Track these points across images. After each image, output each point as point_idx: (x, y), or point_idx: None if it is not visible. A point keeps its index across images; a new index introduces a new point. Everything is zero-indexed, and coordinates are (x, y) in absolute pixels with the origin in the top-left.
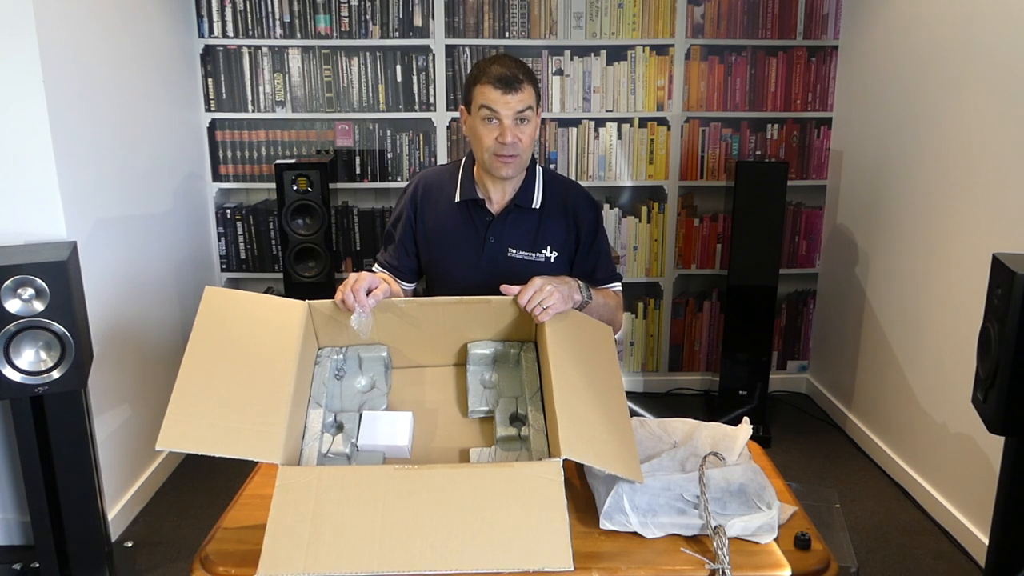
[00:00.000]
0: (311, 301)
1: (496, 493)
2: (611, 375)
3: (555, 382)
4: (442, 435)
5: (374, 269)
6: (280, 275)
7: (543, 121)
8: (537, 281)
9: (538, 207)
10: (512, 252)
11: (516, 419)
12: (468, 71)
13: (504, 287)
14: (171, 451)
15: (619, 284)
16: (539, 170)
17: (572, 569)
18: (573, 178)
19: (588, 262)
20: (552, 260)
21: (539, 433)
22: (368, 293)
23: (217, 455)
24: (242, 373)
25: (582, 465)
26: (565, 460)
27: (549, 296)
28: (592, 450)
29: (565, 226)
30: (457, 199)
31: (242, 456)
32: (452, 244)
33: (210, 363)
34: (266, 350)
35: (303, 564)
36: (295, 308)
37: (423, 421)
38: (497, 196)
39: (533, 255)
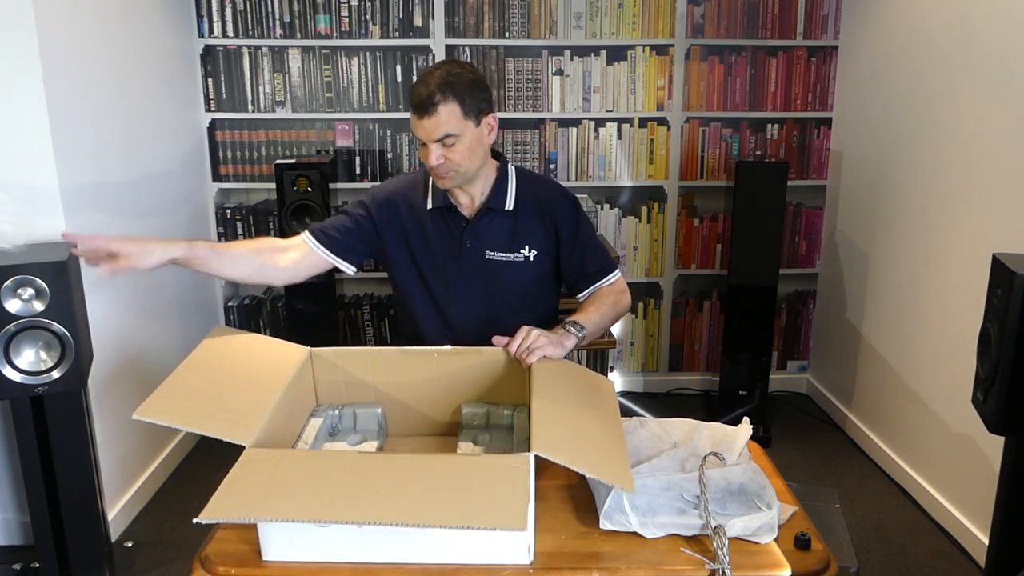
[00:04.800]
0: (313, 348)
1: (459, 472)
2: (602, 400)
3: (535, 393)
4: None
5: (304, 236)
6: None
7: (542, 121)
8: (525, 329)
9: (511, 208)
10: (490, 255)
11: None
12: None
13: (496, 338)
14: (146, 420)
15: (616, 274)
16: (511, 171)
17: (525, 528)
18: (573, 178)
19: (575, 257)
20: (532, 259)
21: None
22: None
23: (189, 430)
24: (234, 385)
25: None
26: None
27: (536, 339)
28: (568, 450)
29: (543, 226)
30: (430, 206)
31: (213, 434)
32: (431, 251)
33: (206, 370)
34: (262, 371)
35: (246, 511)
36: (296, 351)
37: None
38: (466, 201)
39: (511, 256)
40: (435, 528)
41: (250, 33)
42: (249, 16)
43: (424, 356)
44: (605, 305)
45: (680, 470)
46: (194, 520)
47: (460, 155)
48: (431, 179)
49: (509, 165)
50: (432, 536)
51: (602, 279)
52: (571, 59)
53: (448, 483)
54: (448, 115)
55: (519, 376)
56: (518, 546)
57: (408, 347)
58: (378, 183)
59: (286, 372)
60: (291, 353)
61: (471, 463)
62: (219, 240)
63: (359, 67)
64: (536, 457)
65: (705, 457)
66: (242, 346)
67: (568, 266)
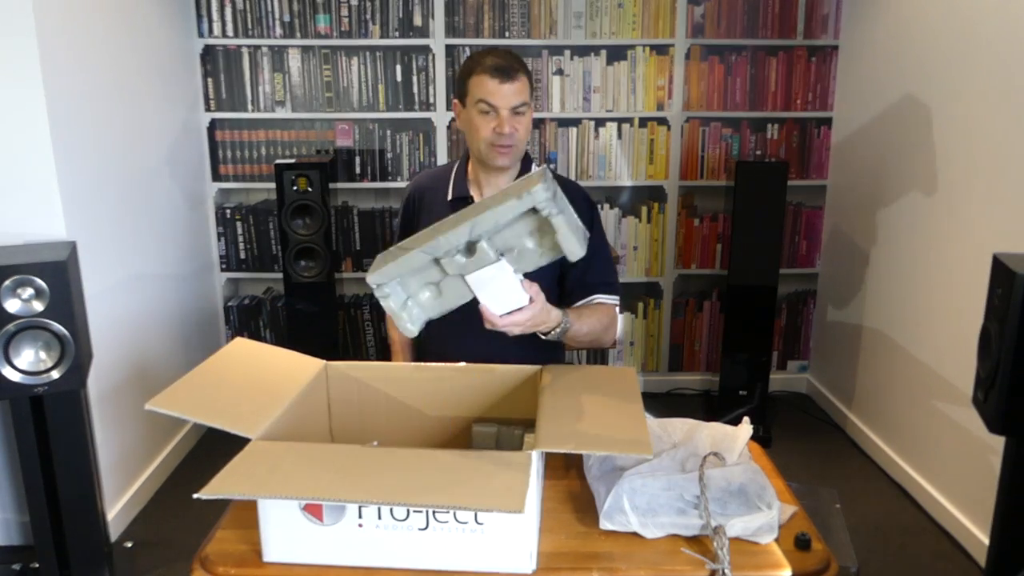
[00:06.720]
0: (329, 362)
1: (461, 464)
2: (619, 384)
3: (543, 395)
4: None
5: None
6: (280, 275)
7: (542, 121)
8: (530, 309)
9: None
10: None
11: None
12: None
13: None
14: (158, 411)
15: (616, 298)
16: (535, 169)
17: (522, 511)
18: (573, 178)
19: (579, 263)
20: None
21: None
22: None
23: (198, 421)
24: (247, 388)
25: (582, 465)
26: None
27: (529, 321)
28: (573, 438)
29: None
30: (450, 197)
31: (220, 426)
32: None
33: (221, 374)
34: (276, 378)
35: (248, 488)
36: (311, 363)
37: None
38: (489, 193)
39: None
40: (433, 508)
41: (250, 33)
42: (249, 16)
43: (437, 372)
44: (594, 319)
45: (680, 470)
46: (194, 495)
47: (525, 129)
48: (455, 168)
49: (534, 164)
50: (433, 541)
51: (601, 293)
52: (571, 59)
53: (449, 472)
54: (523, 86)
55: (532, 393)
56: (519, 553)
57: (421, 363)
58: (378, 184)
59: (299, 380)
60: (306, 364)
61: (474, 457)
62: (219, 240)
63: (359, 67)
64: (542, 458)
65: (705, 457)
66: (258, 355)
67: (570, 271)
